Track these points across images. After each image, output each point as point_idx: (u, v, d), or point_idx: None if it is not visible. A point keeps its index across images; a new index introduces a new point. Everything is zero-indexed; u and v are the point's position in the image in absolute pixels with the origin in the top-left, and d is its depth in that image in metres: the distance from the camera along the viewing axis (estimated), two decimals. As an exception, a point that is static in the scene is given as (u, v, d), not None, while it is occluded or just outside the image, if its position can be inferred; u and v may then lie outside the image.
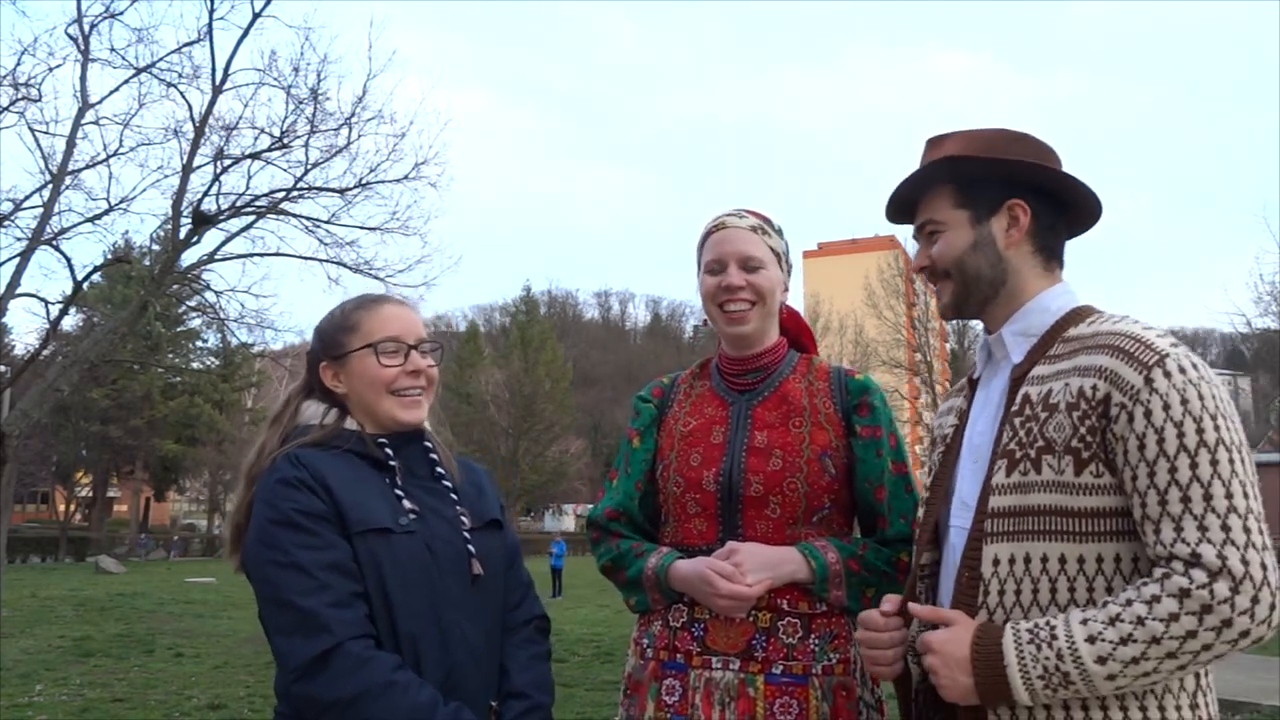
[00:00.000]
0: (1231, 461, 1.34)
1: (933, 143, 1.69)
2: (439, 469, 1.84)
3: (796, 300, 2.16)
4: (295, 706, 1.59)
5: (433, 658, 1.65)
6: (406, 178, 14.43)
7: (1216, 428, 1.35)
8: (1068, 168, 1.64)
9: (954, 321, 40.05)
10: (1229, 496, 1.33)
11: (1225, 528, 1.31)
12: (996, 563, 1.48)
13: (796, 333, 2.15)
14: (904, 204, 1.73)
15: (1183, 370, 1.38)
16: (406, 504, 1.72)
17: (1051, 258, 1.64)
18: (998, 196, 1.61)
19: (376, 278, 14.26)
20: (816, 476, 1.92)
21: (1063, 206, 1.64)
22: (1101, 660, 1.33)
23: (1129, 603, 1.34)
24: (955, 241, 1.64)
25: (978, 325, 1.74)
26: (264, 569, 1.62)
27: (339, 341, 1.81)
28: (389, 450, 1.77)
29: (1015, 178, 1.61)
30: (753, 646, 1.87)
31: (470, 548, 1.76)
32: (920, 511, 1.73)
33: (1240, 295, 34.75)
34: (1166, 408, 1.36)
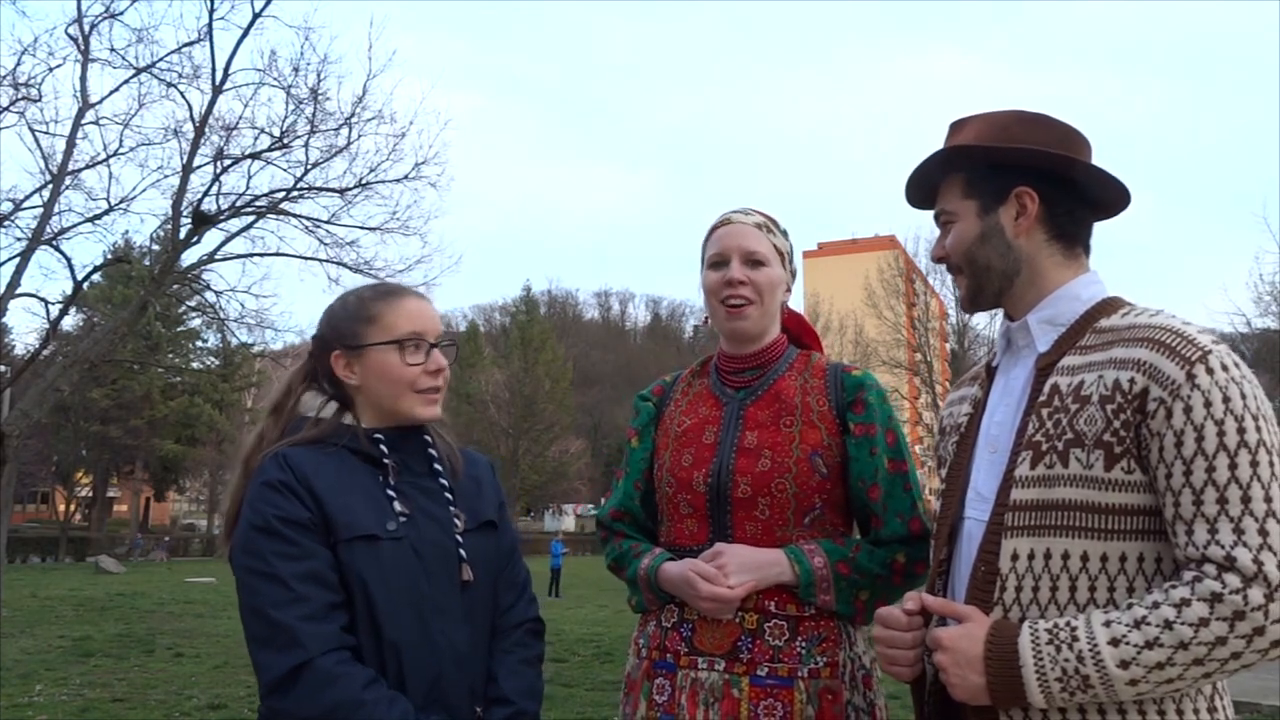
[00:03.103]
0: (1272, 464, 1.28)
1: (954, 127, 1.63)
2: (437, 465, 1.78)
3: (796, 300, 2.10)
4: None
5: (417, 666, 1.61)
6: (406, 178, 14.48)
7: (1258, 429, 1.29)
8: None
9: (954, 321, 40.17)
10: (1268, 500, 1.26)
11: (1263, 532, 1.25)
12: (1015, 558, 1.41)
13: (798, 333, 2.10)
14: (925, 190, 1.68)
15: (1225, 368, 1.32)
16: (397, 505, 1.67)
17: (1074, 244, 1.57)
18: (1005, 184, 1.55)
19: (376, 278, 14.21)
20: (806, 476, 1.88)
21: (1080, 192, 1.56)
22: (1125, 664, 1.27)
23: (1156, 605, 1.28)
24: (964, 233, 1.58)
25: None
26: (244, 575, 1.58)
27: (356, 332, 1.73)
28: (384, 447, 1.71)
29: (1023, 164, 1.54)
30: (738, 648, 1.85)
31: (461, 552, 1.70)
32: (937, 505, 1.67)
33: (1240, 295, 34.53)
34: (1208, 405, 1.30)
